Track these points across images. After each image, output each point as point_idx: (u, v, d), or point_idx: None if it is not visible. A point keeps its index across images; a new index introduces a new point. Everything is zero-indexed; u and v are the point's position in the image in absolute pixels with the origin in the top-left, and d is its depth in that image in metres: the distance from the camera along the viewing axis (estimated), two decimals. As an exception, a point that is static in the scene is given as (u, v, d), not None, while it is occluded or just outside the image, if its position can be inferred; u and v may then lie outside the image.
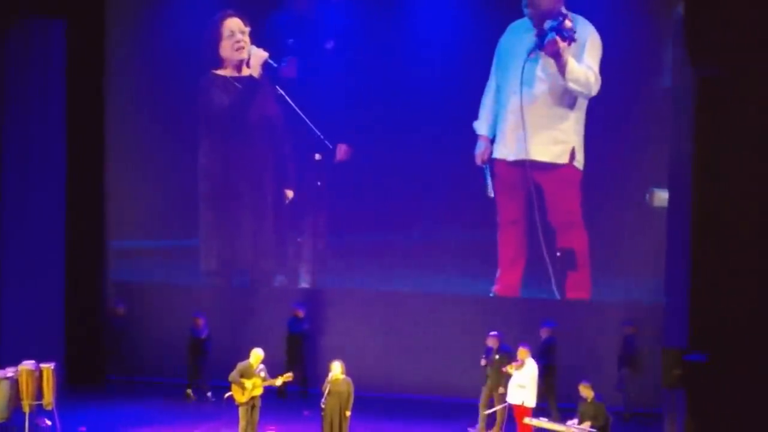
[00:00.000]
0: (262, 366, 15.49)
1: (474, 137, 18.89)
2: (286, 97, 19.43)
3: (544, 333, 17.37)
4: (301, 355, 18.56)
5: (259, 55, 19.50)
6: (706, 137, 13.23)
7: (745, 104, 12.96)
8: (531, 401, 15.62)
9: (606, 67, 18.21)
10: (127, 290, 20.09)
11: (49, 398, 16.02)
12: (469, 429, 16.69)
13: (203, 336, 18.66)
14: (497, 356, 16.33)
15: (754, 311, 13.03)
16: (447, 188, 18.93)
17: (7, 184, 18.29)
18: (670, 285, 15.81)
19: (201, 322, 18.74)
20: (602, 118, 18.33)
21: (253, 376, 15.27)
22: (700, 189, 13.35)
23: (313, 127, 19.30)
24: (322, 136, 19.31)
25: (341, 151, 19.26)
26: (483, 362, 16.46)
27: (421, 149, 18.95)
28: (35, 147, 18.27)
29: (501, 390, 16.22)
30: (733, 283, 13.10)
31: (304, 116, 19.33)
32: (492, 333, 16.55)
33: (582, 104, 18.44)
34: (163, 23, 19.95)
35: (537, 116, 18.61)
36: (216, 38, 19.70)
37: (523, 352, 15.77)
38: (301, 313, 18.77)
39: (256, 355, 15.51)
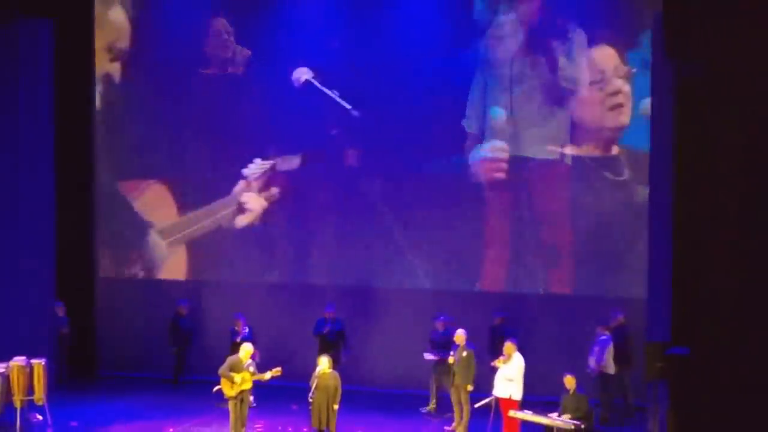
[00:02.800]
0: (251, 361, 15.55)
1: (462, 134, 19.00)
2: (272, 96, 19.57)
3: (440, 326, 17.52)
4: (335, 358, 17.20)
5: (244, 54, 19.60)
6: (687, 134, 13.28)
7: (724, 102, 13.02)
8: (518, 394, 15.66)
9: (587, 65, 18.36)
10: (118, 286, 20.25)
11: (40, 394, 16.10)
12: (445, 428, 16.75)
13: (238, 339, 17.54)
14: (464, 353, 16.34)
15: (736, 305, 13.04)
16: (434, 184, 19.02)
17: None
18: (652, 279, 15.82)
19: (240, 323, 18.10)
20: (584, 114, 18.46)
21: (242, 371, 15.38)
22: (681, 184, 13.42)
23: (300, 124, 19.43)
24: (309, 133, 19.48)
25: (349, 156, 19.41)
26: (450, 359, 16.42)
27: (407, 146, 19.06)
28: (24, 145, 18.22)
29: (469, 388, 16.28)
30: (715, 277, 13.12)
31: (291, 113, 19.45)
32: (459, 330, 16.57)
33: (570, 100, 18.57)
34: (151, 23, 20.04)
35: (527, 113, 18.72)
36: (203, 37, 19.81)
37: (509, 347, 15.77)
38: (327, 314, 18.32)
39: (246, 349, 15.59)
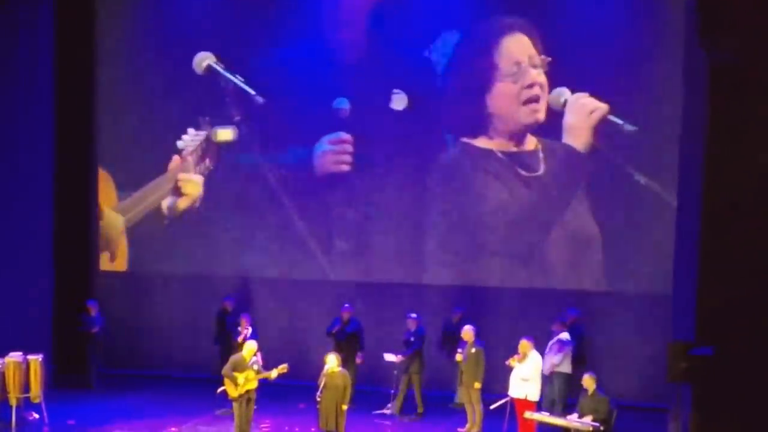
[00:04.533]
0: (255, 359, 15.22)
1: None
2: (270, 90, 19.20)
3: (411, 325, 17.25)
4: (347, 358, 16.68)
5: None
6: (718, 127, 12.93)
7: (759, 92, 12.63)
8: (534, 395, 15.35)
9: (615, 54, 17.83)
10: (115, 281, 20.00)
11: (36, 391, 15.93)
12: (458, 429, 16.37)
13: (240, 339, 17.05)
14: (473, 350, 16.00)
15: (762, 304, 12.62)
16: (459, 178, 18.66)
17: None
18: (678, 277, 15.57)
19: (244, 322, 17.66)
20: (613, 107, 18.00)
21: (246, 370, 14.96)
22: (710, 180, 13.05)
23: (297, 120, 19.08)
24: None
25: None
26: (458, 357, 16.11)
27: (419, 145, 18.72)
28: (23, 131, 18.12)
29: (477, 386, 15.97)
30: (741, 276, 12.70)
31: (284, 108, 19.09)
32: (467, 326, 16.28)
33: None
34: (154, 3, 19.80)
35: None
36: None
37: (525, 345, 15.45)
38: (342, 314, 17.79)
39: (249, 348, 15.24)
